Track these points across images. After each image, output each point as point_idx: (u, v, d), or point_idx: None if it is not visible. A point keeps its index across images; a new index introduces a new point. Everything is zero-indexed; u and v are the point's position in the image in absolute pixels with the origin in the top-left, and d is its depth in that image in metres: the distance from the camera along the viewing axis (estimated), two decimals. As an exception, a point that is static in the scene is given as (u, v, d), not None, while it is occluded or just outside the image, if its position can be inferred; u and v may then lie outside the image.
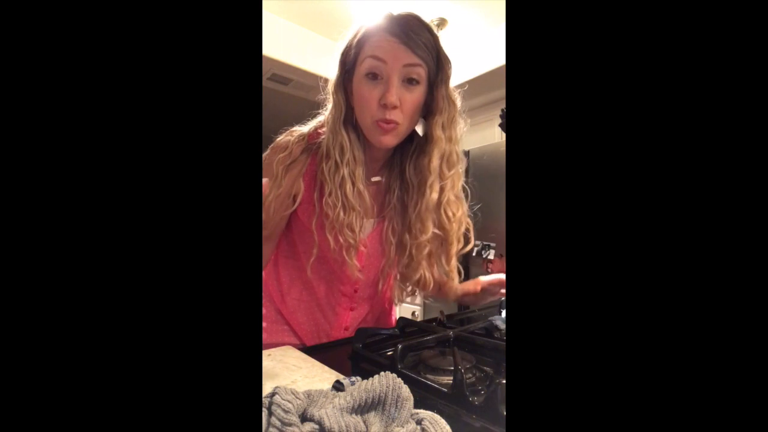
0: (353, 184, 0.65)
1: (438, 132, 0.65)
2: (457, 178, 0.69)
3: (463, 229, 0.71)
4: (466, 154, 2.16)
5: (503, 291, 0.81)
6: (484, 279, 0.81)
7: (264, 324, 0.76)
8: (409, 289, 0.77)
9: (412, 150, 0.70)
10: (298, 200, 0.67)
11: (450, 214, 0.69)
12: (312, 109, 0.74)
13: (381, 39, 0.61)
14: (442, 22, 2.17)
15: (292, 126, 0.73)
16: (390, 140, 0.64)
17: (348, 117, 0.66)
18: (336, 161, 0.64)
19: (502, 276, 0.80)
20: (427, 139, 0.67)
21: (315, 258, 0.68)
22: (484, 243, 2.03)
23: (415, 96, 0.62)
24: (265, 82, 2.41)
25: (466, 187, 0.73)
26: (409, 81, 0.61)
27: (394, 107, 0.60)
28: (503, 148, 2.00)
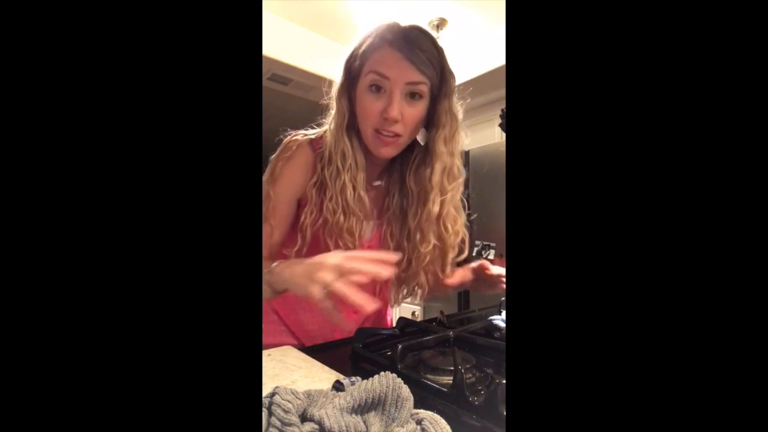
0: (354, 189, 0.66)
1: (440, 146, 0.66)
2: (456, 191, 0.71)
3: (459, 239, 0.73)
4: (466, 154, 2.16)
5: (503, 283, 0.80)
6: (469, 266, 0.81)
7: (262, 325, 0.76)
8: (405, 292, 0.78)
9: (413, 158, 0.71)
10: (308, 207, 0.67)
11: (448, 226, 0.71)
12: (312, 109, 0.74)
13: (386, 54, 0.60)
14: (442, 22, 2.17)
15: (291, 126, 0.73)
16: (390, 152, 0.65)
17: (351, 123, 0.66)
18: (338, 167, 0.65)
19: (485, 262, 0.80)
20: (429, 151, 0.67)
21: None
22: (484, 243, 2.03)
23: (416, 110, 0.63)
24: (265, 82, 2.41)
25: (463, 198, 0.75)
26: (412, 96, 0.62)
27: (396, 121, 0.61)
28: (503, 148, 2.00)
